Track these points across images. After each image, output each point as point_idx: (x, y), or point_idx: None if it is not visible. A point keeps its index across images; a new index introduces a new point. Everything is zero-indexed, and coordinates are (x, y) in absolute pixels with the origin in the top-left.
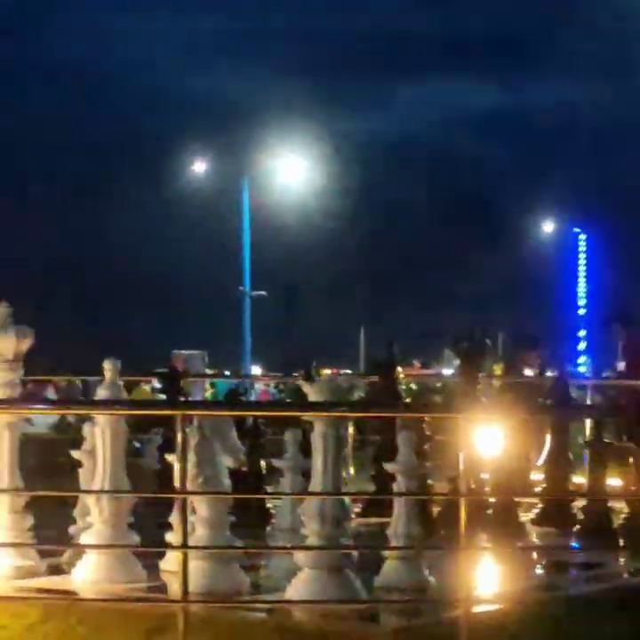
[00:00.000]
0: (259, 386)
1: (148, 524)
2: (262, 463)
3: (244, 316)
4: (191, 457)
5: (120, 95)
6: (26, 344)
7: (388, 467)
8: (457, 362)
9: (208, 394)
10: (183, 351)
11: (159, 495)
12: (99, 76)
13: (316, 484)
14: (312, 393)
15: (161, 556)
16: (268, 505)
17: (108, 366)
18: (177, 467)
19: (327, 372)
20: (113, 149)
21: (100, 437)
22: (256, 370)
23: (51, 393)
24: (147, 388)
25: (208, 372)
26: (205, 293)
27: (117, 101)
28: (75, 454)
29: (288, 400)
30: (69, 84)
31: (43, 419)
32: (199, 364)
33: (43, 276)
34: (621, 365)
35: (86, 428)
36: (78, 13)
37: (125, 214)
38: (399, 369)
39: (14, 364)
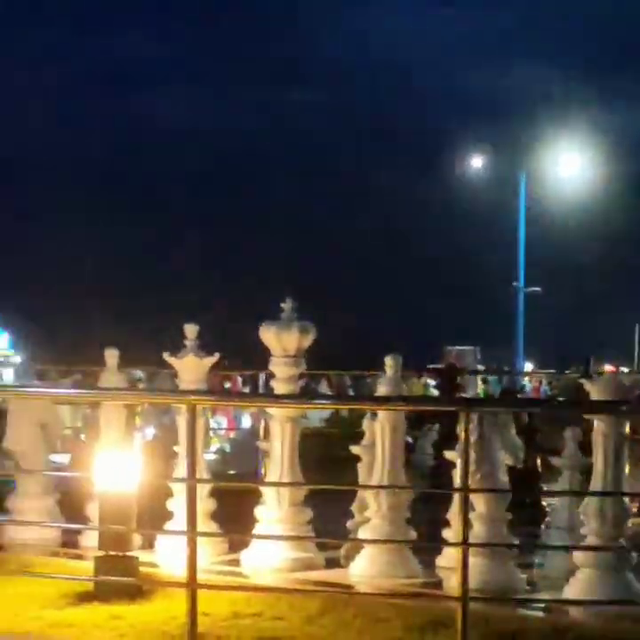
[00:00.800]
0: (530, 383)
1: (421, 520)
2: (537, 461)
3: (517, 311)
4: (470, 454)
5: (404, 90)
6: (308, 340)
7: None
8: None
9: (479, 390)
10: (456, 347)
11: (443, 491)
12: (384, 73)
13: (597, 483)
14: (594, 391)
15: (437, 552)
16: (543, 503)
17: (389, 362)
18: (458, 463)
19: (605, 368)
20: (393, 143)
21: (380, 432)
22: (528, 366)
23: (324, 387)
24: (420, 383)
25: (479, 367)
26: (479, 288)
27: (400, 96)
28: (354, 449)
29: (561, 397)
30: (355, 80)
31: (317, 413)
32: (471, 360)
33: (323, 272)
34: None
35: (366, 423)
36: (360, 12)
37: (403, 209)
38: None
39: (296, 360)
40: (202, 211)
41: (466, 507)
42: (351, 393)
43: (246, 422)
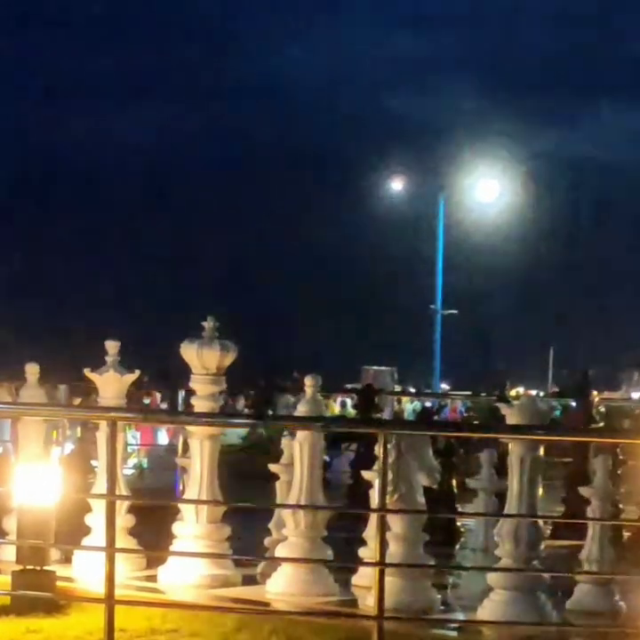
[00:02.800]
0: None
1: (338, 539)
2: (454, 482)
3: (434, 333)
4: (388, 474)
5: (324, 116)
6: (229, 358)
7: (583, 491)
8: None
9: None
10: (373, 367)
11: (359, 511)
12: (301, 97)
13: (512, 505)
14: (511, 415)
15: (353, 570)
16: (458, 523)
17: (309, 382)
18: (375, 483)
19: (520, 390)
20: (314, 167)
21: (299, 451)
22: (444, 387)
23: (241, 405)
24: (335, 403)
25: (396, 388)
26: (398, 310)
27: (319, 122)
28: (272, 467)
29: (477, 419)
30: (269, 105)
31: (234, 430)
32: (388, 380)
33: (241, 293)
34: None
35: (284, 442)
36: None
37: (323, 230)
38: (594, 393)
39: (217, 378)
40: (128, 226)
41: (383, 527)
42: (269, 411)
43: (163, 438)
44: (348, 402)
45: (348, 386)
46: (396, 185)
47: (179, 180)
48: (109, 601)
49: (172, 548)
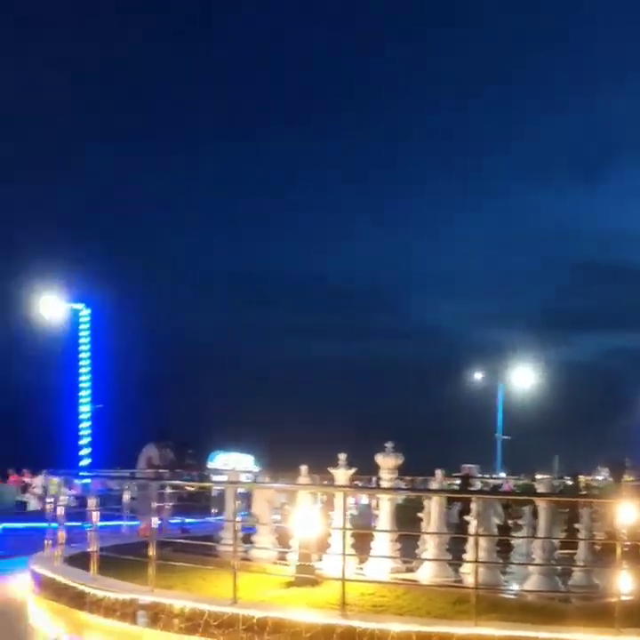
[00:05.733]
0: (505, 483)
1: (453, 549)
2: (510, 522)
3: (497, 448)
4: (477, 517)
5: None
6: (400, 461)
7: (576, 526)
8: (607, 472)
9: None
10: (467, 465)
11: (465, 536)
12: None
13: (540, 532)
14: (539, 488)
15: (461, 565)
16: (512, 542)
17: (439, 473)
18: (472, 522)
19: (540, 476)
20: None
21: (434, 506)
22: (502, 474)
23: (402, 484)
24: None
25: (479, 475)
26: (479, 437)
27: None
28: (420, 514)
29: (519, 491)
30: None
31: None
32: (475, 471)
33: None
34: None
35: (426, 502)
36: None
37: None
38: (581, 477)
39: (393, 471)
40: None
41: (477, 543)
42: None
43: (364, 500)
44: (457, 482)
45: (454, 474)
46: (478, 376)
47: None
48: (343, 579)
49: (371, 553)
